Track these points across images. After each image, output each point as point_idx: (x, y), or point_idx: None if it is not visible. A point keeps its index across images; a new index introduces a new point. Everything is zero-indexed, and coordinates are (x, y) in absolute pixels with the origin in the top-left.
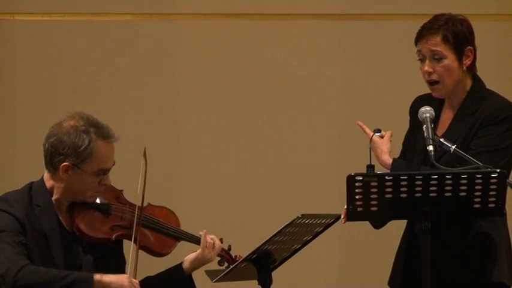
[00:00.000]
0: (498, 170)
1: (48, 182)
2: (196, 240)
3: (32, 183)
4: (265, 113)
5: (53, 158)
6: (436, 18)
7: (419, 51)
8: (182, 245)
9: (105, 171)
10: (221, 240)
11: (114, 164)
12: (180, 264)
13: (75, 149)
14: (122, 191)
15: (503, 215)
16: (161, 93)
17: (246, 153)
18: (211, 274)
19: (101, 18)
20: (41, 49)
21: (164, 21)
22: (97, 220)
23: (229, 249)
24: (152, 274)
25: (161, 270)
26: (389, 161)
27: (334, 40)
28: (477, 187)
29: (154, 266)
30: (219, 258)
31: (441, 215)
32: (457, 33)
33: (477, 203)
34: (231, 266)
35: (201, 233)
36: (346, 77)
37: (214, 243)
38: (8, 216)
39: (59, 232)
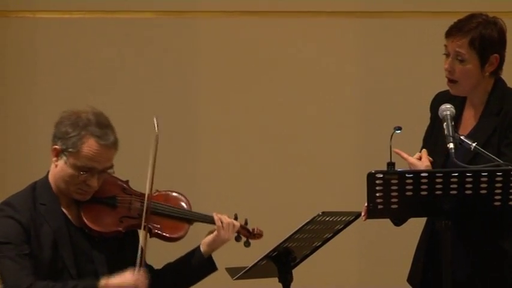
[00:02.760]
0: None
1: (51, 175)
2: (209, 220)
3: (35, 182)
4: (285, 110)
5: (53, 138)
6: (470, 18)
7: (445, 46)
8: (199, 227)
9: (87, 170)
10: (236, 217)
11: (106, 169)
12: (198, 248)
13: (65, 135)
14: (127, 181)
15: None
16: (181, 91)
17: (266, 151)
18: (232, 271)
19: (121, 15)
20: (61, 47)
21: (184, 18)
22: (104, 214)
23: (246, 223)
24: (171, 260)
25: (180, 255)
26: None
27: (353, 38)
28: (497, 185)
29: (174, 251)
30: (236, 235)
31: (462, 213)
32: (485, 40)
33: (497, 200)
34: (251, 264)
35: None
36: (366, 74)
37: (229, 223)
38: (12, 223)
39: (66, 230)
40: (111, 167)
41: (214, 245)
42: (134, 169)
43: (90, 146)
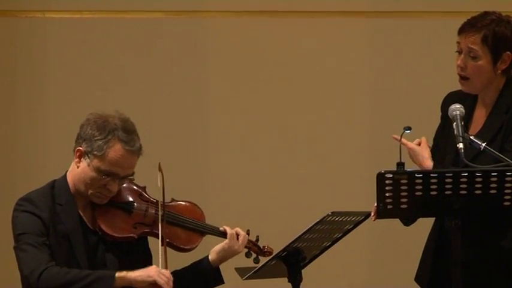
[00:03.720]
0: None
1: (69, 175)
2: (221, 234)
3: (54, 181)
4: (294, 110)
5: (77, 139)
6: (484, 15)
7: (458, 43)
8: (208, 238)
9: (109, 174)
10: (248, 232)
11: (128, 176)
12: (207, 257)
13: (92, 137)
14: (144, 187)
15: None
16: (191, 91)
17: (275, 151)
18: (241, 271)
19: (131, 15)
20: (72, 47)
21: (194, 18)
22: (119, 219)
23: (257, 240)
24: (179, 268)
25: (187, 263)
26: (432, 166)
27: (363, 38)
28: (507, 185)
29: (181, 259)
30: (246, 250)
31: (471, 213)
32: (498, 37)
33: (507, 200)
34: (260, 264)
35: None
36: (376, 74)
37: (240, 235)
38: (33, 218)
39: (81, 232)
40: (133, 174)
41: (224, 254)
42: (145, 171)
43: (116, 150)
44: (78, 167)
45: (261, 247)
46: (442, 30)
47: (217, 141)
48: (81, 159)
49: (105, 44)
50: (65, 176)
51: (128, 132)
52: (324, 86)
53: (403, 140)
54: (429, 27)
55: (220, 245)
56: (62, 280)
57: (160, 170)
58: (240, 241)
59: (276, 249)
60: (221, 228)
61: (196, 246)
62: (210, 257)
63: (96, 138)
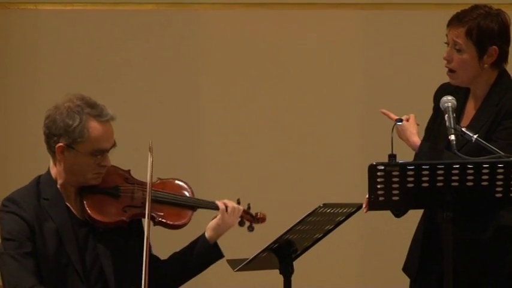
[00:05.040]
0: None
1: (53, 170)
2: (212, 206)
3: (39, 176)
4: (287, 102)
5: (49, 140)
6: (472, 9)
7: (446, 35)
8: (200, 215)
9: (100, 152)
10: (238, 201)
11: (113, 145)
12: (203, 234)
13: (66, 129)
14: (129, 170)
15: None
16: (183, 83)
17: (268, 143)
18: (233, 263)
19: (123, 7)
20: (64, 39)
21: (185, 10)
22: (107, 204)
23: (249, 208)
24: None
25: (183, 240)
26: (419, 142)
27: (357, 30)
28: (499, 176)
29: (179, 241)
30: (239, 219)
31: (463, 205)
32: (483, 31)
33: (499, 192)
34: (252, 256)
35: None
36: (369, 66)
37: (232, 206)
38: (16, 219)
39: (70, 224)
40: (115, 143)
41: (219, 229)
42: (136, 158)
43: (95, 127)
44: (62, 162)
45: (254, 214)
46: (435, 22)
47: (209, 133)
48: (64, 154)
49: (96, 35)
50: (48, 171)
51: (93, 106)
52: (317, 78)
53: (391, 115)
54: (423, 19)
55: (214, 221)
56: None
57: (150, 150)
58: (233, 213)
59: (269, 240)
60: (211, 201)
61: (188, 221)
62: (206, 234)
63: (71, 127)
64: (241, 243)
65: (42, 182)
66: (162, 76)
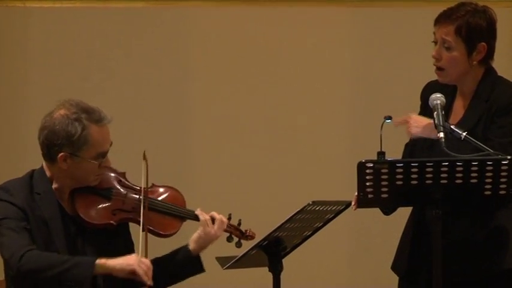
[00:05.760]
0: (509, 157)
1: (48, 171)
2: (193, 217)
3: (33, 170)
4: (276, 100)
5: (49, 149)
6: (459, 6)
7: (434, 33)
8: (190, 225)
9: (103, 154)
10: (229, 216)
11: (111, 144)
12: (186, 246)
13: (69, 138)
14: (124, 173)
15: None
16: (173, 80)
17: (257, 141)
18: (222, 261)
19: (112, 5)
20: (52, 36)
21: (175, 8)
22: (97, 206)
23: (240, 224)
24: (159, 255)
25: (167, 248)
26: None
27: (346, 27)
28: (488, 174)
29: (162, 244)
30: (228, 235)
31: (452, 202)
32: (472, 28)
33: (488, 190)
34: (241, 254)
35: (196, 212)
36: (358, 64)
37: (214, 219)
38: (8, 205)
39: (60, 219)
40: (111, 142)
41: (201, 242)
42: (127, 158)
43: (96, 132)
44: (65, 169)
45: (243, 231)
46: (424, 19)
47: (200, 131)
48: (67, 162)
49: (86, 33)
50: (42, 168)
51: (89, 111)
52: (306, 76)
53: (398, 119)
54: (411, 16)
55: (196, 233)
56: (42, 263)
57: (144, 158)
58: (216, 226)
59: (258, 239)
60: (196, 212)
61: (176, 232)
62: (189, 246)
63: (75, 136)
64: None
65: (35, 177)
66: (152, 74)
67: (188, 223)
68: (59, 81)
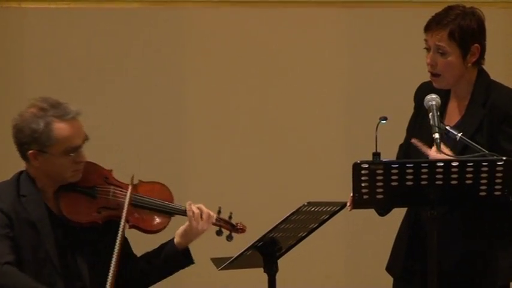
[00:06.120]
0: (504, 158)
1: (30, 172)
2: (181, 212)
3: (21, 172)
4: (272, 101)
5: (20, 148)
6: (448, 11)
7: (426, 40)
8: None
9: (73, 149)
10: (219, 210)
11: (86, 139)
12: (172, 240)
13: (33, 135)
14: (111, 171)
15: (509, 203)
16: (169, 81)
17: (252, 142)
18: (217, 262)
19: (108, 5)
20: (48, 37)
21: (171, 8)
22: (82, 204)
23: (230, 217)
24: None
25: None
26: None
27: (339, 28)
28: (483, 175)
29: (151, 240)
30: (217, 229)
31: (447, 203)
32: (464, 30)
33: (483, 190)
34: (236, 254)
35: (187, 204)
36: (354, 65)
37: (201, 213)
38: None
39: (48, 220)
40: (87, 136)
41: (187, 236)
42: (120, 156)
43: (61, 128)
44: (38, 167)
45: (234, 224)
46: (418, 20)
47: (196, 132)
48: (38, 159)
49: (81, 34)
50: (27, 169)
51: (55, 106)
52: (300, 76)
53: (424, 148)
54: (405, 17)
55: (182, 228)
56: (15, 284)
57: (131, 183)
58: (203, 220)
59: (254, 239)
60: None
61: (164, 227)
62: (175, 240)
63: (37, 132)
64: (226, 242)
65: (22, 179)
66: (148, 74)
67: (179, 217)
68: (55, 81)
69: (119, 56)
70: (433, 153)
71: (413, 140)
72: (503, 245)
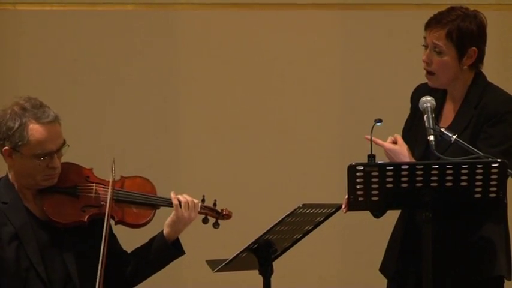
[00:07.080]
0: (499, 160)
1: (11, 173)
2: (167, 203)
3: (1, 178)
4: (266, 103)
5: None
6: (450, 11)
7: (424, 38)
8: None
9: (44, 154)
10: (203, 198)
11: (62, 145)
12: (161, 232)
13: (8, 132)
14: (91, 169)
15: (504, 205)
16: (162, 83)
17: (247, 144)
18: (212, 264)
19: (102, 8)
20: (42, 39)
21: (165, 11)
22: (64, 204)
23: (215, 204)
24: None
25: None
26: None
27: (335, 30)
28: (478, 177)
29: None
30: (203, 216)
31: (442, 205)
32: (463, 32)
33: (478, 193)
34: (231, 257)
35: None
36: (348, 67)
37: (186, 201)
38: None
39: (30, 226)
40: (64, 142)
41: (175, 226)
42: (121, 157)
43: (36, 130)
44: (13, 165)
45: (219, 211)
46: (414, 22)
47: (190, 134)
48: (12, 157)
49: (75, 36)
50: (7, 174)
51: (35, 107)
52: (296, 78)
53: (379, 141)
54: (402, 19)
55: (170, 218)
56: None
57: (112, 177)
58: (189, 209)
59: (249, 241)
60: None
61: (150, 220)
62: (164, 232)
63: (13, 130)
64: (221, 244)
65: (1, 185)
66: (141, 76)
67: (165, 210)
68: (49, 83)
69: (113, 58)
70: (388, 145)
71: (366, 136)
72: (496, 237)
